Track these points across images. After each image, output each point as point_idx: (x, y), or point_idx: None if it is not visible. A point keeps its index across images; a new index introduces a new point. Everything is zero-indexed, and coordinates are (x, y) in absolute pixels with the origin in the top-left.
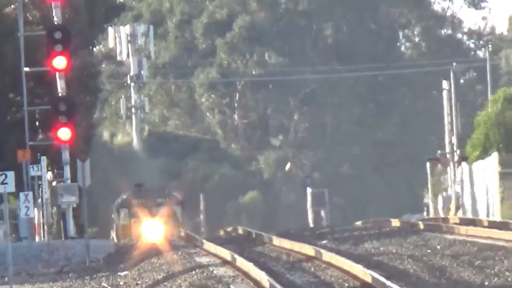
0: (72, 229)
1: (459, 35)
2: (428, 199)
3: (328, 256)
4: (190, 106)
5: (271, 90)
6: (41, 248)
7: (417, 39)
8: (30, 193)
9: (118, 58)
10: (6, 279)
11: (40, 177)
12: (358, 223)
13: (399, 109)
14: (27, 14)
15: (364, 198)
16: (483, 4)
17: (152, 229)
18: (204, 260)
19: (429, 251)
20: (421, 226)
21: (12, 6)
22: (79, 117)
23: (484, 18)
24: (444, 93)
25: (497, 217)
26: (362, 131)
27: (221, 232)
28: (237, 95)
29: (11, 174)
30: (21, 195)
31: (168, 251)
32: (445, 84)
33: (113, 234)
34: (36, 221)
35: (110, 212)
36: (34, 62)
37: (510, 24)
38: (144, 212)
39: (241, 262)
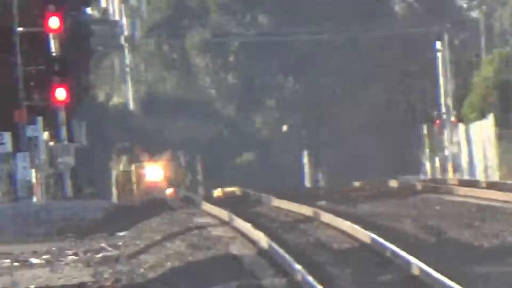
0: (69, 189)
1: None
2: (425, 160)
3: (326, 217)
4: (184, 67)
5: (265, 51)
6: (39, 208)
7: None
8: (27, 154)
9: (111, 18)
10: (5, 239)
11: (36, 138)
12: (356, 184)
13: (393, 69)
14: None
15: (361, 159)
16: None
17: (154, 174)
18: (202, 220)
19: (427, 212)
20: (419, 187)
21: None
22: (73, 78)
23: None
24: (438, 54)
25: (494, 178)
26: (357, 92)
27: (219, 192)
28: (231, 56)
29: (7, 135)
30: (18, 156)
31: (168, 210)
32: (438, 44)
33: (113, 183)
34: (33, 181)
35: (108, 168)
36: (27, 23)
37: None
38: (146, 157)
39: (239, 222)
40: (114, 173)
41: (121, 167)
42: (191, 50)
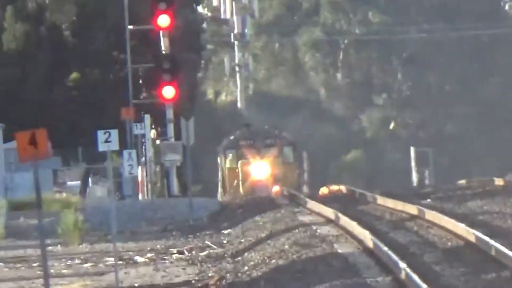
0: (175, 187)
1: None
2: None
3: (431, 215)
4: (294, 65)
5: (375, 49)
6: (144, 206)
7: None
8: (134, 151)
9: (222, 16)
10: (110, 237)
11: (143, 135)
12: (462, 182)
13: (503, 69)
14: None
15: (467, 158)
16: None
17: (260, 171)
18: (307, 218)
19: None
20: None
21: None
22: (183, 76)
23: None
24: None
25: None
26: (466, 90)
27: (325, 190)
28: (341, 54)
29: (114, 132)
30: (125, 153)
31: (273, 209)
32: None
33: (219, 180)
34: (139, 179)
35: (214, 169)
36: (138, 21)
37: None
38: (253, 153)
39: (345, 221)
40: (220, 171)
41: (228, 164)
42: (301, 48)
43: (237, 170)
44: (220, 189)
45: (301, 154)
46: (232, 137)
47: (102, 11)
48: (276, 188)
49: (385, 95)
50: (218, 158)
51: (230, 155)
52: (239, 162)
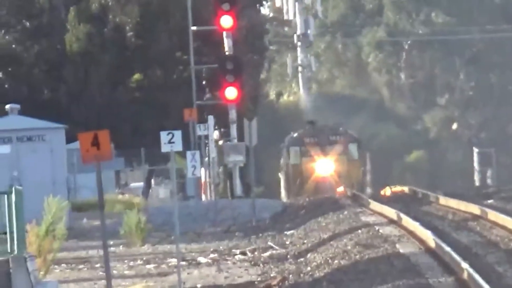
0: (238, 188)
1: None
2: None
3: (494, 216)
4: (356, 65)
5: (438, 49)
6: (208, 207)
7: None
8: (197, 152)
9: (285, 17)
10: (173, 238)
11: (207, 136)
12: None
13: None
14: None
15: None
16: None
17: (324, 169)
18: (370, 219)
19: None
20: None
21: None
22: (246, 76)
23: None
24: None
25: None
26: None
27: (387, 191)
28: (404, 54)
29: (178, 133)
30: (188, 154)
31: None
32: None
33: (281, 177)
34: (203, 180)
35: (277, 170)
36: (201, 21)
37: None
38: (317, 150)
39: (407, 221)
40: (283, 168)
41: (291, 161)
42: (365, 48)
43: (300, 167)
44: (282, 188)
45: (364, 154)
46: (295, 134)
47: (165, 12)
48: (340, 189)
49: (448, 95)
50: (282, 158)
51: (294, 152)
52: (303, 159)
